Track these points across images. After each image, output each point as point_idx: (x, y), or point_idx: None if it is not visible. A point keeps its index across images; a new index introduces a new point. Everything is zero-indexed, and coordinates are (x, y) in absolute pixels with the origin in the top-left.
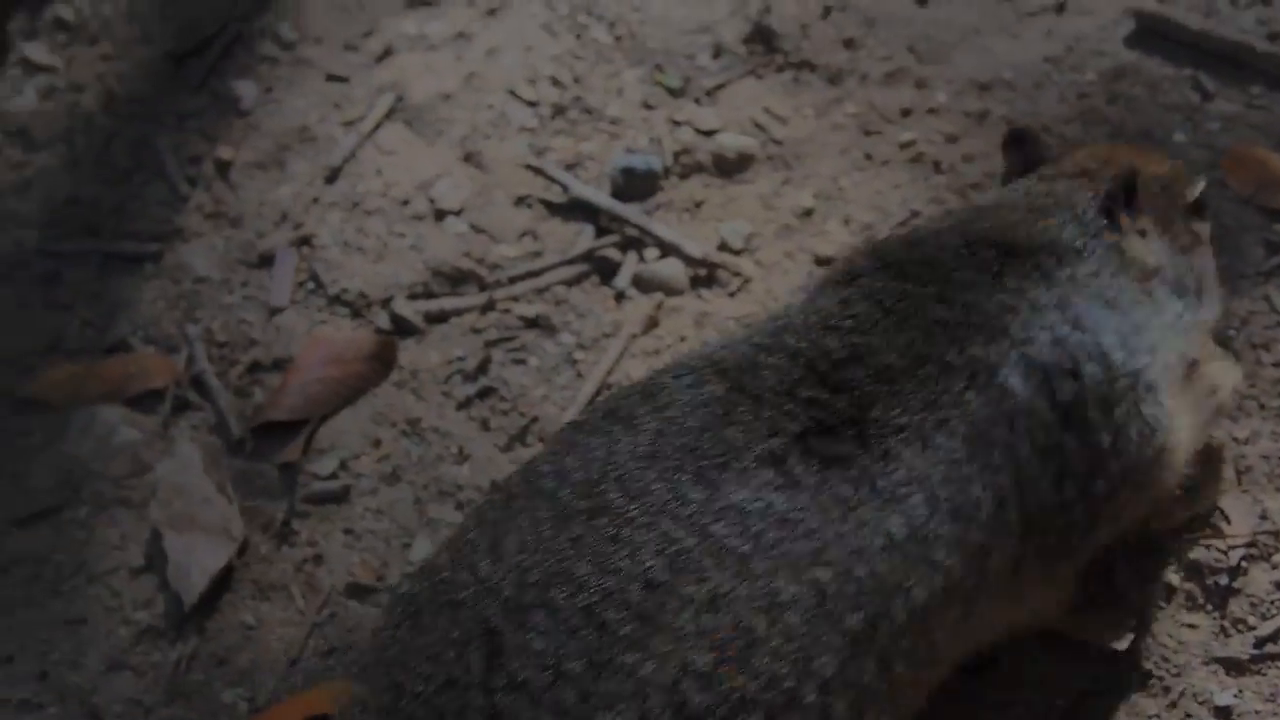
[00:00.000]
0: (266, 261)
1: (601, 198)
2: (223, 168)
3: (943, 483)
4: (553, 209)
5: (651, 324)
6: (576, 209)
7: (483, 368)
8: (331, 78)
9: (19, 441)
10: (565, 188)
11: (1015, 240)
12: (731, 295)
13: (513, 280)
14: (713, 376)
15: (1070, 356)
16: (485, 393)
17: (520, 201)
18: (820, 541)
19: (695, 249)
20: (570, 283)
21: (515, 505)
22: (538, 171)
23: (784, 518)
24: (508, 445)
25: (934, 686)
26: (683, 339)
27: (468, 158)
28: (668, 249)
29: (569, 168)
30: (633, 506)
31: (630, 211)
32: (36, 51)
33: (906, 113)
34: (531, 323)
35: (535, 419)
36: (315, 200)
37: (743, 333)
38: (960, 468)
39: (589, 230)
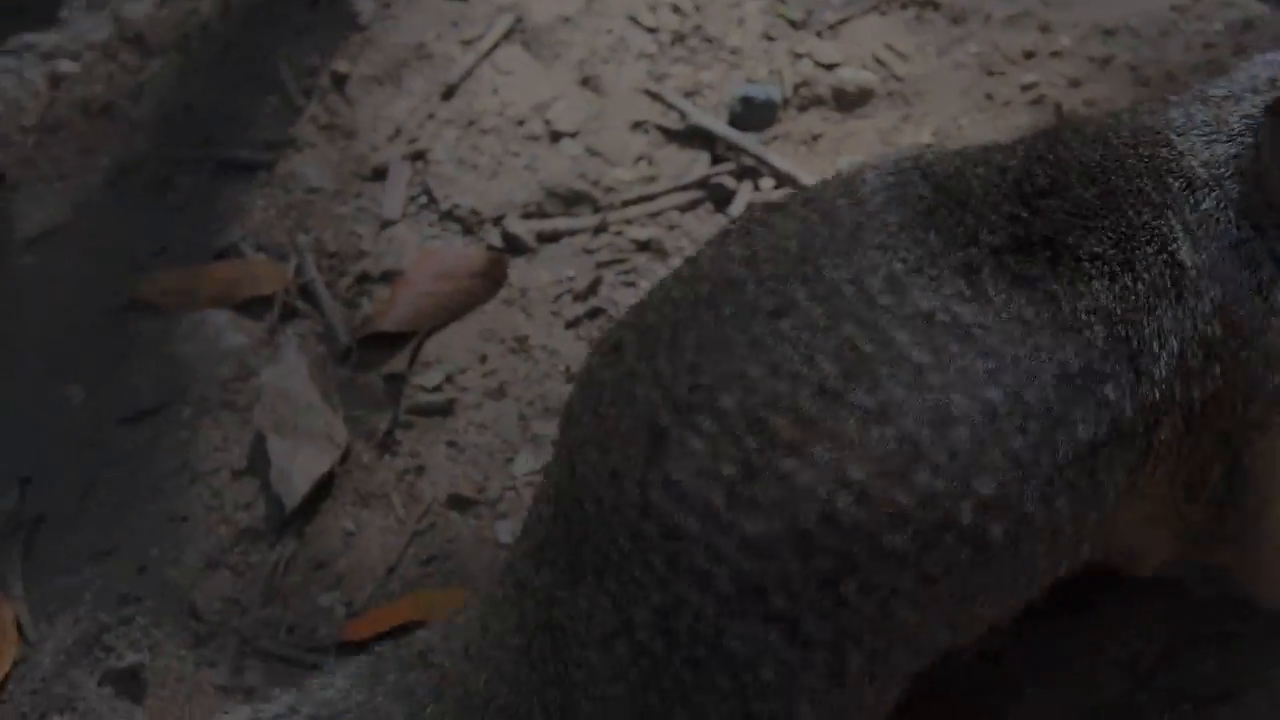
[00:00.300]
0: (379, 175)
1: (719, 126)
2: (339, 81)
3: (1124, 322)
4: (669, 135)
5: None
6: (693, 136)
7: (593, 288)
8: None
9: (126, 342)
10: (683, 115)
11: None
12: None
13: (626, 204)
14: (918, 178)
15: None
16: (595, 313)
17: (637, 127)
18: (997, 361)
19: (812, 180)
20: (684, 208)
21: (701, 289)
22: (655, 97)
23: (967, 332)
24: None
25: (1102, 537)
26: None
27: (585, 81)
28: (784, 179)
29: (687, 95)
30: (818, 308)
31: (747, 141)
32: None
33: (1029, 55)
34: (644, 246)
35: None
36: (430, 117)
37: (944, 148)
38: (1142, 315)
39: (705, 158)
